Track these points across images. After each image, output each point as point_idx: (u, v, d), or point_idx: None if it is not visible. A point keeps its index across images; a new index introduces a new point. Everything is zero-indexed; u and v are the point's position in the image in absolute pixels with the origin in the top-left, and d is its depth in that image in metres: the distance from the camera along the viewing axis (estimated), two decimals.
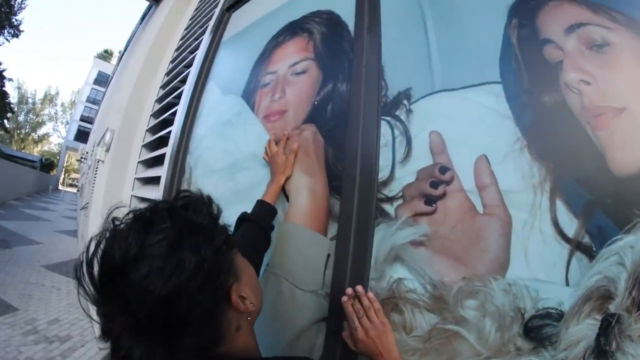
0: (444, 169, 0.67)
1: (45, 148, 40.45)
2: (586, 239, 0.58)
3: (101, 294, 0.34)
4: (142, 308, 0.32)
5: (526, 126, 0.65)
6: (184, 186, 1.23)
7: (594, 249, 0.58)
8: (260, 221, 0.75)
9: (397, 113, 0.76)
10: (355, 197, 0.73)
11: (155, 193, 1.54)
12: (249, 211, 0.81)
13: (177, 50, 1.95)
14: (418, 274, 0.65)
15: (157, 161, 1.77)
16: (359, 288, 0.63)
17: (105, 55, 33.54)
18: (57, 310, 2.70)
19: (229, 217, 0.99)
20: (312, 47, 0.98)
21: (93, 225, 2.58)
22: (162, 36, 2.19)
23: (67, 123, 34.78)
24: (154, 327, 0.33)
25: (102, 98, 7.79)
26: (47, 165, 29.02)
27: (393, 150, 0.74)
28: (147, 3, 3.63)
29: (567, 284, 0.58)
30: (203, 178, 1.15)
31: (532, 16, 0.72)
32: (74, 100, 35.51)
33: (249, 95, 1.09)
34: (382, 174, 0.73)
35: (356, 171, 0.75)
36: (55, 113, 37.26)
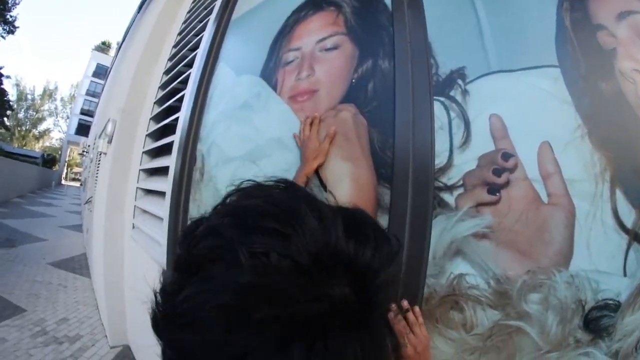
0: (507, 156, 0.62)
1: (47, 144, 39.96)
2: None
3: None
4: None
5: (586, 113, 0.62)
6: (196, 176, 1.12)
7: None
8: None
9: (452, 93, 0.68)
10: (409, 185, 0.65)
11: (163, 184, 1.42)
12: None
13: (179, 34, 1.83)
14: (481, 269, 0.62)
15: (163, 151, 1.65)
16: (405, 303, 0.60)
17: (103, 47, 32.89)
18: (65, 309, 2.62)
19: None
20: (342, 21, 0.88)
21: (98, 219, 2.46)
22: (162, 21, 2.05)
23: (68, 117, 34.21)
24: None
25: (102, 90, 7.54)
26: (49, 160, 28.89)
27: (450, 134, 0.66)
28: None
29: (625, 274, 0.58)
30: (218, 166, 1.04)
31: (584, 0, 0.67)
32: (74, 94, 34.85)
33: (269, 75, 0.98)
34: (439, 160, 0.66)
35: (409, 156, 0.67)
36: (55, 108, 36.60)
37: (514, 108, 0.64)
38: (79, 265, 3.99)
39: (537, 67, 0.65)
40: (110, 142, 2.14)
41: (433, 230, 0.63)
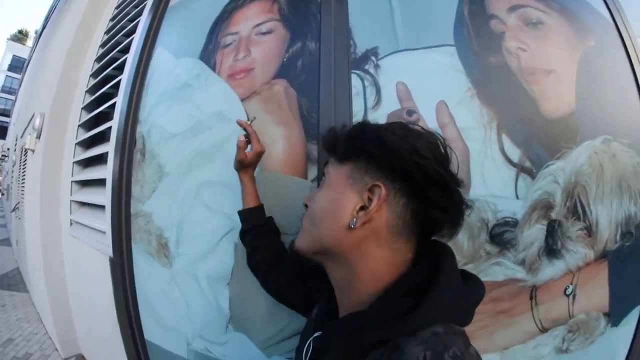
0: (410, 112, 0.77)
1: None
2: (528, 164, 0.75)
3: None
4: None
5: (475, 79, 0.80)
6: (137, 157, 1.13)
7: (534, 171, 0.75)
8: (271, 228, 0.78)
9: (367, 67, 0.83)
10: None
11: (100, 172, 1.38)
12: (214, 172, 0.84)
13: (112, 19, 1.75)
14: None
15: (97, 139, 1.59)
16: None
17: (20, 37, 28.42)
18: (8, 330, 2.42)
19: (196, 176, 0.95)
20: (276, 9, 0.98)
21: (31, 223, 2.23)
22: (93, 6, 1.94)
23: None
24: None
25: (19, 85, 6.61)
26: None
27: (364, 98, 0.81)
28: None
29: (517, 197, 0.74)
30: (160, 144, 1.06)
31: None
32: None
33: (208, 57, 1.04)
34: (356, 119, 0.80)
35: (332, 117, 0.80)
36: None
37: (417, 77, 0.80)
38: (13, 281, 3.62)
39: (437, 46, 0.82)
40: (38, 137, 1.97)
41: None
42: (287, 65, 0.89)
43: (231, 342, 0.89)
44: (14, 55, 24.91)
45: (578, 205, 0.75)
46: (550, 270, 0.73)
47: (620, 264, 0.78)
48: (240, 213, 0.76)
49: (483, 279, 0.71)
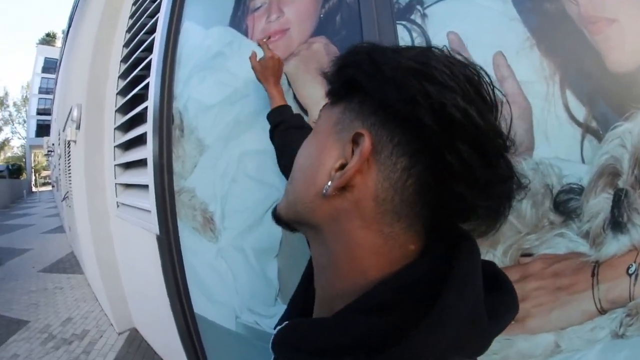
0: None
1: (9, 154, 37.06)
2: (594, 124, 0.68)
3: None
4: None
5: (533, 28, 0.71)
6: (176, 133, 1.13)
7: (601, 132, 0.67)
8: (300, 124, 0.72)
9: (412, 17, 0.75)
10: None
11: (141, 153, 1.41)
12: (254, 140, 0.79)
13: (135, 3, 1.75)
14: None
15: (135, 122, 1.62)
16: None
17: (49, 39, 29.82)
18: (66, 310, 2.63)
19: (236, 146, 0.93)
20: None
21: (80, 209, 2.39)
22: None
23: (25, 122, 31.71)
24: None
25: (55, 84, 7.00)
26: (15, 170, 27.37)
27: None
28: None
29: (583, 161, 0.67)
30: (197, 117, 1.06)
31: None
32: (26, 96, 31.92)
33: (238, 23, 1.00)
34: None
35: None
36: (10, 115, 33.49)
37: (469, 26, 0.72)
38: (69, 264, 3.97)
39: None
40: (78, 127, 2.05)
41: None
42: (324, 21, 0.83)
43: (280, 314, 0.90)
44: (45, 57, 26.10)
45: None
46: (615, 245, 0.66)
47: None
48: (267, 116, 0.75)
49: (545, 251, 0.68)
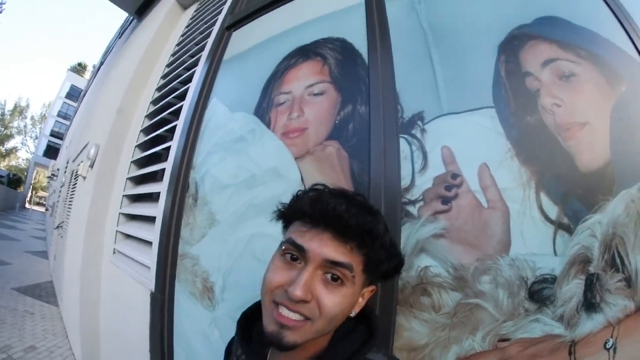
0: (455, 175, 0.81)
1: (13, 163, 36.64)
2: (565, 220, 0.77)
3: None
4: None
5: (514, 140, 0.82)
6: (189, 201, 1.21)
7: (572, 226, 0.76)
8: None
9: (413, 132, 0.87)
10: (382, 202, 0.83)
11: (149, 209, 1.47)
12: (266, 226, 0.85)
13: (168, 65, 1.94)
14: (441, 261, 0.79)
15: (147, 178, 1.70)
16: None
17: (79, 69, 31.43)
18: (32, 337, 2.51)
19: (248, 228, 0.99)
20: (327, 71, 1.05)
21: (74, 244, 2.38)
22: (151, 51, 2.16)
23: (37, 137, 32.10)
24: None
25: (74, 113, 7.28)
26: (15, 181, 26.96)
27: (412, 162, 0.85)
28: (124, 17, 3.54)
29: (555, 254, 0.75)
30: (213, 192, 1.14)
31: (516, 53, 0.90)
32: (45, 114, 32.71)
33: (262, 113, 1.12)
34: (404, 182, 0.84)
35: (381, 180, 0.84)
36: (25, 126, 33.83)
37: (461, 140, 0.84)
38: (45, 293, 3.81)
39: (478, 108, 0.86)
40: (92, 166, 2.14)
41: (402, 235, 0.80)
42: (339, 127, 0.95)
43: None
44: (72, 84, 27.36)
45: (616, 256, 0.74)
46: (589, 324, 0.72)
47: None
48: None
49: (521, 335, 0.73)
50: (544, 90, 0.85)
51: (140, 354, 1.38)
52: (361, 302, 0.50)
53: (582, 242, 0.75)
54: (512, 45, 0.91)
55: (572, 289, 0.74)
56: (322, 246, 0.44)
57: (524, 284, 0.75)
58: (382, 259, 0.47)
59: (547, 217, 0.77)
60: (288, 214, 0.52)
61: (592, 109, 0.84)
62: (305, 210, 0.47)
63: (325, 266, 0.44)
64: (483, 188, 0.79)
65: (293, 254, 0.46)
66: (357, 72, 1.01)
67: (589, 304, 0.73)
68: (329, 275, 0.44)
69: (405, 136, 0.87)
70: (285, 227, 0.53)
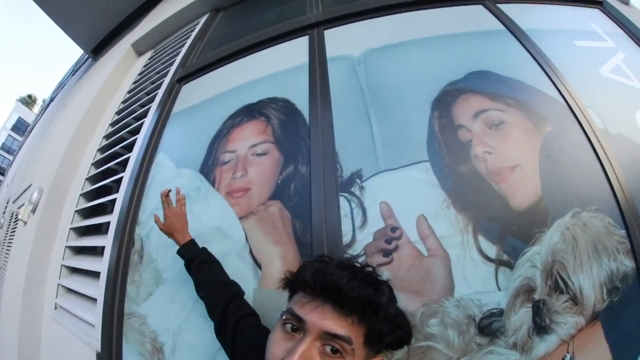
0: (394, 229, 0.80)
1: None
2: (505, 257, 0.77)
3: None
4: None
5: (449, 190, 0.83)
6: (135, 258, 1.09)
7: (512, 261, 0.76)
8: (207, 257, 0.84)
9: (352, 189, 0.87)
10: None
11: (93, 263, 1.30)
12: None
13: (118, 113, 1.79)
14: None
15: (90, 230, 1.52)
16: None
17: (29, 101, 27.67)
18: None
19: (194, 288, 0.91)
20: (270, 131, 1.04)
21: (10, 298, 1.99)
22: (102, 96, 1.98)
23: None
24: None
25: (19, 148, 6.37)
26: None
27: (352, 218, 0.83)
28: (80, 54, 3.26)
29: (499, 289, 0.74)
30: (159, 250, 1.03)
31: (449, 108, 0.93)
32: None
33: (207, 171, 1.06)
34: (346, 238, 0.82)
35: (323, 237, 0.82)
36: None
37: (398, 195, 0.84)
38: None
39: (413, 163, 0.87)
40: (34, 211, 1.86)
41: None
42: (281, 187, 0.92)
43: None
44: (19, 117, 24.04)
45: (559, 280, 0.75)
46: (543, 345, 0.71)
47: (614, 318, 0.77)
48: (177, 252, 0.84)
49: None
50: (475, 140, 0.87)
51: None
52: None
53: (524, 274, 0.75)
54: (445, 101, 0.94)
55: (521, 318, 0.73)
56: (322, 318, 0.42)
57: (472, 321, 0.73)
58: (385, 332, 0.45)
59: (487, 257, 0.77)
60: (292, 283, 0.50)
61: (521, 152, 0.86)
62: (308, 281, 0.45)
63: (323, 338, 0.41)
64: (422, 238, 0.78)
65: (293, 324, 0.44)
66: (299, 131, 1.00)
67: (540, 328, 0.72)
68: (328, 348, 0.42)
69: (345, 194, 0.86)
70: (290, 296, 0.51)
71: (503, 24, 1.18)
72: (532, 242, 0.77)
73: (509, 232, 0.79)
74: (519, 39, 1.12)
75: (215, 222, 0.95)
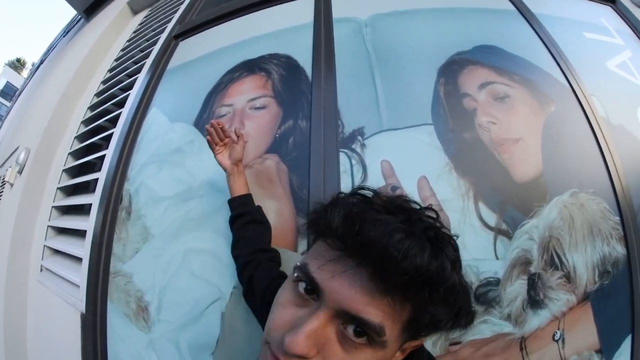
0: (394, 188, 0.79)
1: None
2: (504, 226, 0.78)
3: None
4: None
5: (452, 154, 0.83)
6: (122, 214, 1.05)
7: (510, 232, 0.77)
8: (258, 219, 0.73)
9: (353, 146, 0.84)
10: None
11: (80, 222, 1.27)
12: (203, 240, 0.76)
13: (110, 71, 1.72)
14: None
15: (79, 188, 1.48)
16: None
17: (17, 65, 26.94)
18: None
19: (184, 243, 0.89)
20: (270, 85, 1.00)
21: None
22: (94, 54, 1.91)
23: None
24: None
25: (6, 114, 6.27)
26: None
27: (352, 175, 0.81)
28: (72, 15, 3.14)
29: (497, 258, 0.75)
30: (147, 205, 1.00)
31: (455, 76, 0.92)
32: None
33: (202, 125, 1.02)
34: None
35: (321, 193, 0.79)
36: None
37: (400, 155, 0.82)
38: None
39: (417, 125, 0.86)
40: (20, 172, 1.81)
41: None
42: (279, 141, 0.89)
43: None
44: (7, 81, 23.47)
45: (554, 256, 0.76)
46: (536, 320, 0.72)
47: (603, 301, 0.80)
48: (229, 202, 0.74)
49: (471, 337, 0.71)
50: (480, 110, 0.88)
51: None
52: (399, 357, 0.34)
53: (522, 246, 0.77)
54: (451, 69, 0.93)
55: (516, 289, 0.74)
56: (347, 291, 0.28)
57: (469, 288, 0.74)
58: (441, 319, 0.30)
59: (486, 225, 0.78)
60: (317, 225, 0.34)
61: (524, 126, 0.88)
62: (335, 228, 0.29)
63: (345, 316, 0.29)
64: (423, 199, 0.78)
65: (307, 285, 0.31)
66: (300, 87, 0.96)
67: (534, 302, 0.74)
68: (350, 329, 0.29)
69: (345, 150, 0.84)
70: (314, 240, 0.36)
71: (514, 5, 1.18)
72: (530, 215, 0.79)
73: (509, 202, 0.80)
74: (529, 22, 1.12)
75: (208, 176, 0.91)
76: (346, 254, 0.29)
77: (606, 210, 0.85)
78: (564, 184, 0.83)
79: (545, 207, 0.80)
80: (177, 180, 0.95)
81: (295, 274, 0.32)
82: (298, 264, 0.33)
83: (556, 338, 0.76)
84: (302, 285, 0.32)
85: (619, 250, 0.82)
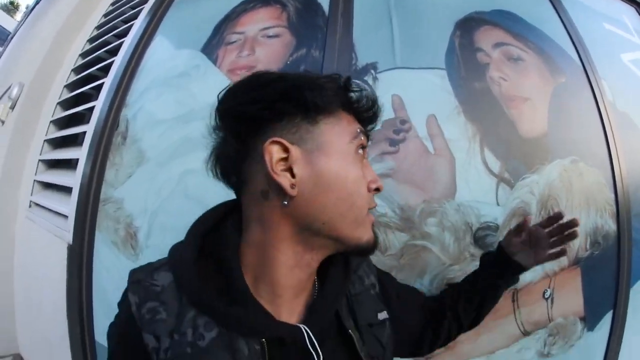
0: (403, 121, 0.80)
1: None
2: (507, 175, 0.80)
3: None
4: None
5: (462, 100, 0.85)
6: (118, 140, 1.03)
7: (512, 181, 0.80)
8: None
9: (366, 78, 0.85)
10: None
11: (73, 153, 1.24)
12: (202, 161, 0.74)
13: (113, 4, 1.66)
14: (387, 200, 0.75)
15: (73, 120, 1.45)
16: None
17: (10, 8, 26.00)
18: None
19: (181, 164, 0.88)
20: (285, 17, 0.98)
21: None
22: None
23: None
24: None
25: None
26: None
27: None
28: None
29: (498, 204, 0.78)
30: (145, 129, 0.99)
31: (471, 32, 0.94)
32: None
33: (210, 51, 1.00)
34: None
35: None
36: None
37: (411, 92, 0.83)
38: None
39: (431, 68, 0.87)
40: (12, 107, 1.77)
41: None
42: (289, 68, 0.87)
43: None
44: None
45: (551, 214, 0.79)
46: (529, 274, 0.74)
47: (591, 271, 0.84)
48: None
49: None
50: (493, 65, 0.89)
51: (59, 321, 1.17)
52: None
53: (522, 197, 0.80)
54: (468, 25, 0.94)
55: None
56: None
57: (469, 229, 0.76)
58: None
59: (490, 170, 0.80)
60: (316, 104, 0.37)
61: (534, 89, 0.90)
62: (356, 99, 0.41)
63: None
64: (430, 136, 0.79)
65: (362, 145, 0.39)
66: (316, 20, 0.95)
67: None
68: None
69: (357, 82, 0.82)
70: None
71: None
72: (532, 170, 0.81)
73: (513, 153, 0.83)
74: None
75: (211, 99, 0.86)
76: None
77: (603, 185, 0.89)
78: (566, 151, 0.86)
79: (547, 166, 0.82)
80: (179, 103, 0.93)
81: (357, 138, 0.38)
82: (351, 132, 0.38)
83: (546, 296, 0.80)
84: (361, 150, 0.39)
85: (611, 225, 0.87)
